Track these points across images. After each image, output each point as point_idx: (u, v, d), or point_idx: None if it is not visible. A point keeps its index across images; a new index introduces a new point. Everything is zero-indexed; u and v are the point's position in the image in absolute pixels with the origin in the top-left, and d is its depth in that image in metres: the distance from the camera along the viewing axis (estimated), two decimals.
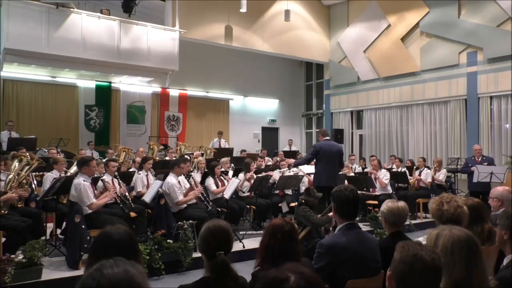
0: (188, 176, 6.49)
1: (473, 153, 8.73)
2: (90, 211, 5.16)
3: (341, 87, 15.05)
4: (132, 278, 1.11)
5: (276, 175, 8.18)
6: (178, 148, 11.58)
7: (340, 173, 7.80)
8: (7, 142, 9.10)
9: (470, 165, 8.43)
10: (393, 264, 1.60)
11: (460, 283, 1.69)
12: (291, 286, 1.14)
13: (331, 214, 4.17)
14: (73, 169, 6.87)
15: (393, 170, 9.33)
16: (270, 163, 10.63)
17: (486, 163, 7.98)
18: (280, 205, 7.74)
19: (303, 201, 5.01)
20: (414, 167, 9.47)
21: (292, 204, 7.64)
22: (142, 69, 11.10)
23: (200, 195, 6.36)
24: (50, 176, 6.12)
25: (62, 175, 6.13)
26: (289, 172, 8.33)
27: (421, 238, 3.14)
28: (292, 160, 7.99)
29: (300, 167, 8.65)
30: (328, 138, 6.85)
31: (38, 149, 9.19)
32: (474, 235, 1.83)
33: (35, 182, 6.23)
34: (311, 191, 5.15)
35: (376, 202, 7.94)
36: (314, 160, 6.80)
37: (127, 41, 10.62)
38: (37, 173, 6.44)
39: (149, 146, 11.35)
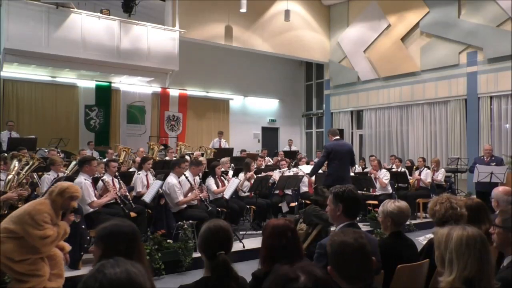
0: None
1: (483, 152, 8.66)
2: (91, 210, 5.16)
3: (341, 87, 15.05)
4: (133, 278, 1.13)
5: (276, 175, 8.17)
6: (178, 148, 11.59)
7: None
8: (7, 142, 9.09)
9: (478, 164, 8.35)
10: (329, 259, 1.85)
11: (472, 278, 1.69)
12: (298, 286, 1.14)
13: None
14: (72, 168, 6.87)
15: (393, 170, 9.33)
16: (270, 163, 10.62)
17: (494, 164, 7.91)
18: (280, 205, 7.73)
19: (311, 199, 5.01)
20: (414, 167, 9.47)
21: (292, 204, 7.64)
22: (142, 69, 11.10)
23: (201, 197, 6.34)
24: (47, 178, 6.11)
25: (60, 175, 6.13)
26: (289, 172, 8.32)
27: (422, 238, 3.14)
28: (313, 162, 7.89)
29: (300, 167, 8.65)
30: (338, 137, 6.82)
31: (38, 149, 9.18)
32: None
33: (39, 181, 6.22)
34: (320, 190, 5.13)
35: (376, 202, 7.93)
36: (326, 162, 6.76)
37: (127, 41, 10.61)
38: (40, 172, 6.45)
39: (149, 146, 11.36)
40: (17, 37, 9.13)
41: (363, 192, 8.09)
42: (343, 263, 1.80)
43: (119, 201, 5.69)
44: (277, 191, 7.86)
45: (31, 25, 9.33)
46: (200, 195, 6.26)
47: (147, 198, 6.03)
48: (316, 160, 11.94)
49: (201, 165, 6.91)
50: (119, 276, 1.11)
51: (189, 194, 6.22)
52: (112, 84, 12.71)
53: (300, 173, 7.99)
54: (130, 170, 7.64)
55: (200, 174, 7.37)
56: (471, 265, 1.70)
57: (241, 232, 6.63)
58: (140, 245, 1.98)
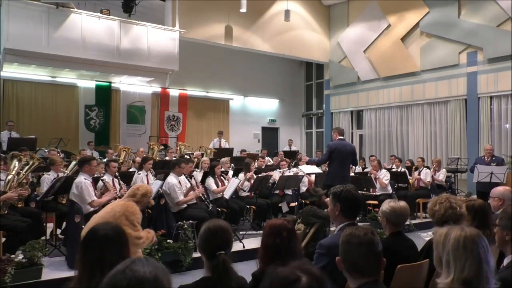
0: (190, 176, 6.49)
1: (484, 152, 8.66)
2: (91, 209, 5.16)
3: (341, 87, 15.05)
4: (159, 279, 1.12)
5: (276, 175, 8.17)
6: (178, 148, 11.58)
7: None
8: (7, 142, 9.09)
9: (478, 164, 8.34)
10: (339, 250, 1.91)
11: (470, 279, 1.67)
12: (302, 286, 1.13)
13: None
14: (72, 168, 6.87)
15: (393, 170, 9.33)
16: (270, 163, 10.62)
17: (495, 164, 7.91)
18: (280, 205, 7.73)
19: (308, 201, 5.02)
20: (414, 167, 9.47)
21: (292, 204, 7.64)
22: (142, 69, 11.09)
23: (201, 195, 6.37)
24: (47, 178, 6.11)
25: (60, 175, 6.12)
26: (289, 172, 8.33)
27: (424, 234, 3.14)
28: (307, 158, 7.94)
29: (300, 167, 8.65)
30: (342, 137, 6.83)
31: (38, 149, 9.18)
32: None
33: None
34: (312, 190, 5.15)
35: (376, 202, 7.94)
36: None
37: (127, 41, 10.61)
38: (40, 172, 6.45)
39: (149, 146, 11.35)
40: (17, 37, 9.12)
41: (363, 192, 8.09)
42: (348, 254, 1.87)
43: None
44: (277, 191, 7.86)
45: (31, 25, 9.33)
46: (197, 191, 6.27)
47: None
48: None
49: (190, 162, 7.09)
50: (148, 276, 1.10)
51: (190, 193, 6.23)
52: (112, 84, 12.71)
53: (300, 173, 7.99)
54: (130, 170, 7.64)
55: (199, 172, 7.38)
56: (469, 267, 1.67)
57: (241, 232, 6.63)
58: (124, 246, 1.88)
